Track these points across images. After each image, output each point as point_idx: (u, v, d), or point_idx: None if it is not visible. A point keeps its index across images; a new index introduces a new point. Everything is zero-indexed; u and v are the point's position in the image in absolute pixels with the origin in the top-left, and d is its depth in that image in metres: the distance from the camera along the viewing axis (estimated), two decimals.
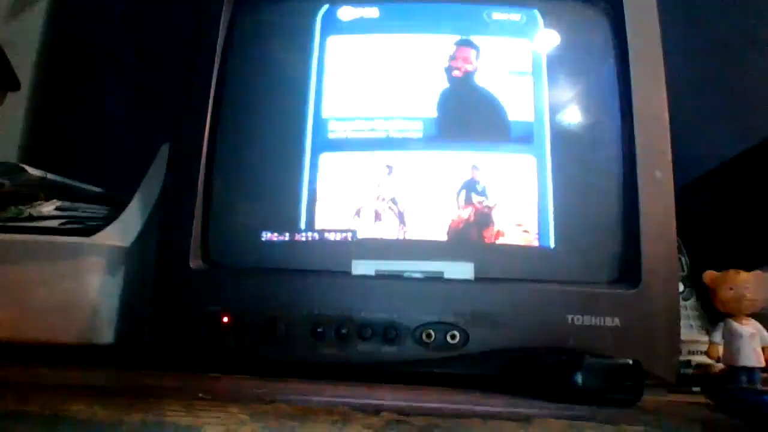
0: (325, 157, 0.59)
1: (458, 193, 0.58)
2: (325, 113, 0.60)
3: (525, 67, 0.61)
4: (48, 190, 0.66)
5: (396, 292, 0.55)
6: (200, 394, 0.32)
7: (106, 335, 0.58)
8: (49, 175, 0.67)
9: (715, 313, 0.59)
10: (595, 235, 0.58)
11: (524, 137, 0.60)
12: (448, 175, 0.59)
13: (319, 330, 0.54)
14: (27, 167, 0.64)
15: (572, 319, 0.54)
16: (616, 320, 0.54)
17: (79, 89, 0.97)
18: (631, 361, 0.43)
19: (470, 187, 0.58)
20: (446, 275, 0.56)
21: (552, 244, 0.58)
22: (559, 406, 0.39)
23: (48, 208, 0.64)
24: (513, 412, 0.32)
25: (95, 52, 0.98)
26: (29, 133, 0.92)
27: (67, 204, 0.65)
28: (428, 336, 0.54)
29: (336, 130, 0.60)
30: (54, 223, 0.63)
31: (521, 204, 0.58)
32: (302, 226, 0.58)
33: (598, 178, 0.59)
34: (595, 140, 0.60)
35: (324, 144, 0.60)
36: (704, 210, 0.73)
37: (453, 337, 0.54)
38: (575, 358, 0.44)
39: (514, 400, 0.42)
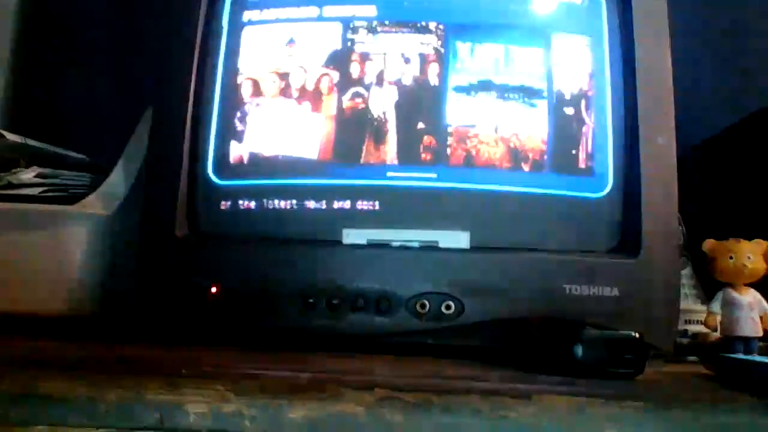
0: None
1: None
2: None
3: None
4: (28, 157, 0.64)
5: (389, 262, 0.54)
6: (183, 370, 0.31)
7: (89, 307, 0.57)
8: (29, 141, 0.65)
9: (710, 282, 0.58)
10: (594, 203, 0.56)
11: None
12: None
13: (310, 300, 0.53)
14: (5, 132, 0.62)
15: (570, 289, 0.53)
16: (615, 290, 0.53)
17: (61, 52, 0.94)
18: (634, 334, 0.42)
19: None
20: (441, 244, 0.54)
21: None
22: (559, 380, 0.37)
23: (28, 175, 0.62)
24: (512, 388, 0.31)
25: (77, 13, 0.95)
26: (9, 98, 0.90)
27: (48, 171, 0.63)
28: (422, 306, 0.52)
29: None
30: (34, 191, 0.61)
31: None
32: (292, 192, 0.56)
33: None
34: (595, 103, 0.57)
35: None
36: (700, 178, 0.71)
37: (448, 307, 0.53)
38: (575, 329, 0.42)
39: (512, 374, 0.41)
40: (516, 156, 0.56)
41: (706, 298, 0.68)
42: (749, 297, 0.55)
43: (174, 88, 0.57)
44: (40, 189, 0.61)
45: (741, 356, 0.51)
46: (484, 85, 0.57)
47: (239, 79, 0.58)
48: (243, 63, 0.59)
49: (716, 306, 0.56)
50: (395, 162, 0.56)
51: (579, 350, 0.41)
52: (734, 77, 0.92)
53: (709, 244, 0.56)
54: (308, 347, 0.51)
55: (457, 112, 0.57)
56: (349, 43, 0.58)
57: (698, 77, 0.85)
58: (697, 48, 0.87)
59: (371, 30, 0.58)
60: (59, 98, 0.94)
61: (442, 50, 0.57)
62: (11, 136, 0.63)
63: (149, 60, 0.60)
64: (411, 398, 0.30)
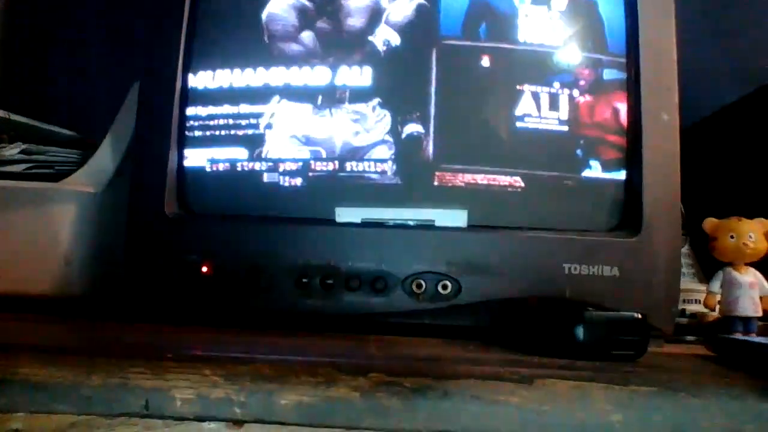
0: None
1: None
2: None
3: None
4: (12, 132, 0.63)
5: (384, 241, 0.53)
6: (169, 354, 0.29)
7: (78, 286, 0.56)
8: (13, 116, 0.63)
9: (708, 261, 0.58)
10: (594, 181, 0.55)
11: None
12: None
13: (303, 280, 0.52)
14: None
15: (569, 269, 0.52)
16: (615, 270, 0.52)
17: (48, 26, 0.92)
18: (637, 315, 0.41)
19: None
20: (438, 223, 0.53)
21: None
22: (560, 363, 0.36)
23: (12, 151, 0.61)
24: (512, 372, 0.30)
25: None
26: None
27: (33, 147, 0.61)
28: (418, 286, 0.52)
29: None
30: (19, 168, 0.59)
31: None
32: (284, 168, 0.55)
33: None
34: (597, 78, 0.56)
35: None
36: (700, 156, 0.70)
37: (444, 287, 0.52)
38: (575, 310, 0.41)
39: (511, 357, 0.40)
40: (515, 133, 0.55)
41: (704, 276, 0.68)
42: (750, 277, 0.54)
43: (162, 61, 0.56)
44: (25, 166, 0.60)
45: (741, 337, 0.50)
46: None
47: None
48: None
49: (716, 286, 0.55)
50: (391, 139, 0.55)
51: (580, 332, 0.40)
52: (735, 54, 0.91)
53: (709, 223, 0.55)
54: (301, 328, 0.50)
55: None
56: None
57: (699, 54, 0.84)
58: (696, 25, 0.86)
59: None
60: (45, 72, 0.92)
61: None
62: None
63: (137, 32, 0.59)
64: (408, 383, 0.29)
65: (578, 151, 0.55)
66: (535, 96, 0.55)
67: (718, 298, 0.55)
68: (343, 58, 0.55)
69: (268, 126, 0.56)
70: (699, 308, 0.63)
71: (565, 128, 0.55)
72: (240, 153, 0.56)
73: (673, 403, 0.30)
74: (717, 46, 0.91)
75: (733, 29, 0.92)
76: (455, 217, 0.53)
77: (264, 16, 0.57)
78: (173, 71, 0.55)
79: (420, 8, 0.56)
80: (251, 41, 0.56)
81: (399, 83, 0.55)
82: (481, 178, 0.54)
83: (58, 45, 0.92)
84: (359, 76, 0.55)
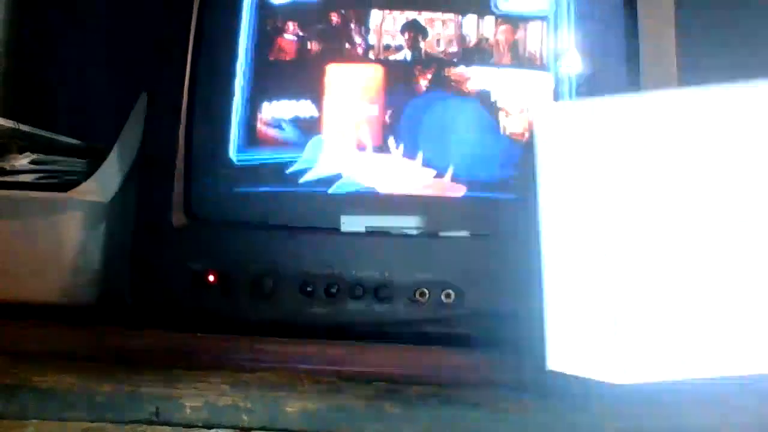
0: None
1: None
2: None
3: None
4: (21, 142, 0.63)
5: (388, 249, 0.53)
6: (178, 363, 0.30)
7: (86, 295, 0.56)
8: (22, 126, 0.64)
9: None
10: None
11: None
12: None
13: (308, 288, 0.52)
14: None
15: None
16: None
17: (55, 34, 0.93)
18: None
19: None
20: (441, 232, 0.54)
21: None
22: None
23: (22, 161, 0.61)
24: (513, 379, 0.30)
25: None
26: (2, 82, 0.88)
27: (42, 157, 0.62)
28: (422, 294, 0.52)
29: None
30: (29, 178, 0.60)
31: None
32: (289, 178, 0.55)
33: None
34: (599, 88, 0.56)
35: None
36: None
37: (448, 295, 0.52)
38: None
39: (513, 364, 0.41)
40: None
41: None
42: None
43: (169, 72, 0.56)
44: (35, 175, 0.60)
45: None
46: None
47: (237, 65, 0.57)
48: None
49: None
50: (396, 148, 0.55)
51: None
52: (738, 62, 0.91)
53: None
54: (306, 335, 0.50)
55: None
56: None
57: (701, 62, 0.84)
58: (698, 32, 0.86)
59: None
60: (52, 82, 0.92)
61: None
62: (3, 121, 0.62)
63: (144, 42, 0.59)
64: (411, 391, 0.29)
65: None
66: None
67: None
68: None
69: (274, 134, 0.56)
70: None
71: None
72: (246, 161, 0.56)
73: (671, 411, 0.30)
74: (720, 53, 0.91)
75: (735, 36, 0.92)
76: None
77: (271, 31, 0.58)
78: (180, 82, 0.56)
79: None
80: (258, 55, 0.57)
81: None
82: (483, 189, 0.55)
83: (62, 55, 0.93)
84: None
